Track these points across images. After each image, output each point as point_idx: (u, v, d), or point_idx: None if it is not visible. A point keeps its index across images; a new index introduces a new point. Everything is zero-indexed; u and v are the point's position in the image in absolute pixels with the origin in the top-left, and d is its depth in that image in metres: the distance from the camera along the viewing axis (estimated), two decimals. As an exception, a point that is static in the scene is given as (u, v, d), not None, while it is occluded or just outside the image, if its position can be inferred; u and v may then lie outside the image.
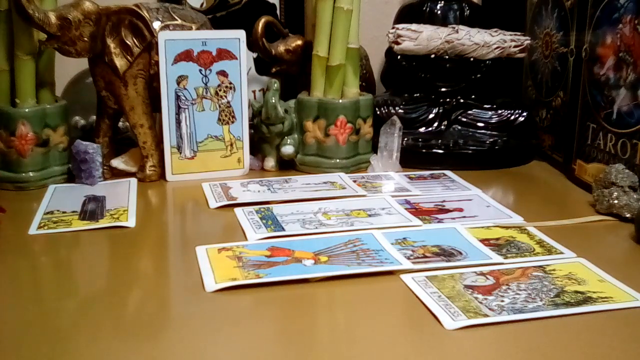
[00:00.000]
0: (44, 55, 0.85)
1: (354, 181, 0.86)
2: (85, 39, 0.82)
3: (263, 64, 1.03)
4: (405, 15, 1.06)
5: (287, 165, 0.94)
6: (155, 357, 0.46)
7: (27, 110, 0.83)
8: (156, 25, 0.85)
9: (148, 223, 0.73)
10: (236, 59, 0.88)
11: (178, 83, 0.86)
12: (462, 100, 1.01)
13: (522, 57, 1.03)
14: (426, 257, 0.62)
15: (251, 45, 0.96)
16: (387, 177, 0.89)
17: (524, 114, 1.00)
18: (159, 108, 0.86)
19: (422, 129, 0.99)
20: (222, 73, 0.88)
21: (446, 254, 0.63)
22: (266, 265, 0.60)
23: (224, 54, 0.88)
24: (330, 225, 0.70)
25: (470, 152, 0.95)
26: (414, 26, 0.99)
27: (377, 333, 0.49)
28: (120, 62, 0.84)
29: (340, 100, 0.91)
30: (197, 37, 0.87)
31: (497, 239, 0.67)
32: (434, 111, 1.00)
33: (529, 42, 1.00)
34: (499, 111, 1.00)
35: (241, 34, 0.89)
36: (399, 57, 1.01)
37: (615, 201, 0.73)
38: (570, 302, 0.53)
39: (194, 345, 0.47)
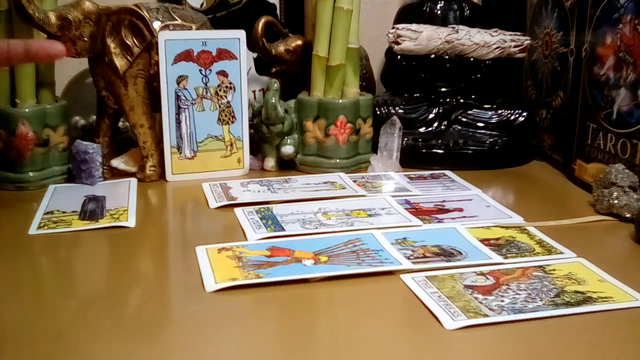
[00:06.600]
0: (44, 55, 0.85)
1: (354, 181, 0.86)
2: (85, 39, 0.82)
3: (263, 64, 1.03)
4: (405, 15, 1.06)
5: (287, 165, 0.93)
6: (155, 357, 0.46)
7: (27, 110, 0.83)
8: (156, 25, 0.85)
9: (148, 223, 0.73)
10: (236, 59, 0.88)
11: (178, 83, 0.86)
12: (462, 100, 1.01)
13: (522, 57, 1.03)
14: (426, 257, 0.62)
15: (251, 45, 0.96)
16: (387, 177, 0.89)
17: (524, 114, 1.00)
18: (159, 108, 0.86)
19: (422, 129, 0.99)
20: (222, 73, 0.88)
21: (446, 254, 0.63)
22: (266, 265, 0.60)
23: (224, 54, 0.88)
24: (330, 225, 0.70)
25: (470, 152, 0.95)
26: (414, 26, 0.98)
27: (377, 333, 0.49)
28: (120, 62, 0.84)
29: (340, 100, 0.91)
30: (197, 37, 0.87)
31: (497, 239, 0.67)
32: (434, 111, 1.00)
33: (529, 42, 1.00)
34: (499, 111, 1.00)
35: (241, 34, 0.88)
36: (399, 57, 1.01)
37: (615, 201, 0.73)
38: (570, 302, 0.53)
39: (194, 345, 0.47)
